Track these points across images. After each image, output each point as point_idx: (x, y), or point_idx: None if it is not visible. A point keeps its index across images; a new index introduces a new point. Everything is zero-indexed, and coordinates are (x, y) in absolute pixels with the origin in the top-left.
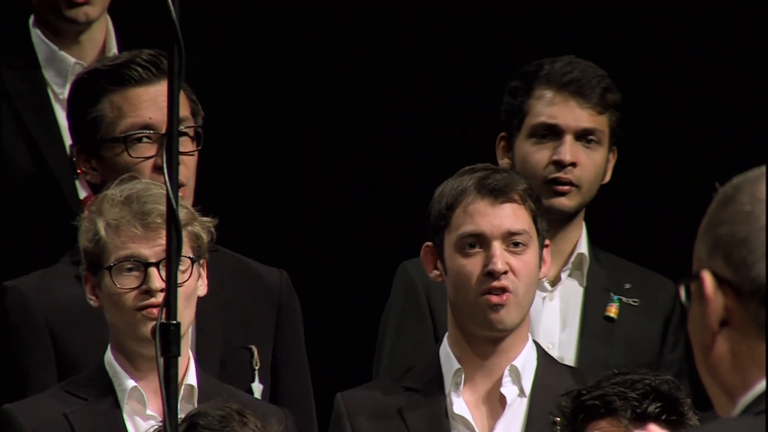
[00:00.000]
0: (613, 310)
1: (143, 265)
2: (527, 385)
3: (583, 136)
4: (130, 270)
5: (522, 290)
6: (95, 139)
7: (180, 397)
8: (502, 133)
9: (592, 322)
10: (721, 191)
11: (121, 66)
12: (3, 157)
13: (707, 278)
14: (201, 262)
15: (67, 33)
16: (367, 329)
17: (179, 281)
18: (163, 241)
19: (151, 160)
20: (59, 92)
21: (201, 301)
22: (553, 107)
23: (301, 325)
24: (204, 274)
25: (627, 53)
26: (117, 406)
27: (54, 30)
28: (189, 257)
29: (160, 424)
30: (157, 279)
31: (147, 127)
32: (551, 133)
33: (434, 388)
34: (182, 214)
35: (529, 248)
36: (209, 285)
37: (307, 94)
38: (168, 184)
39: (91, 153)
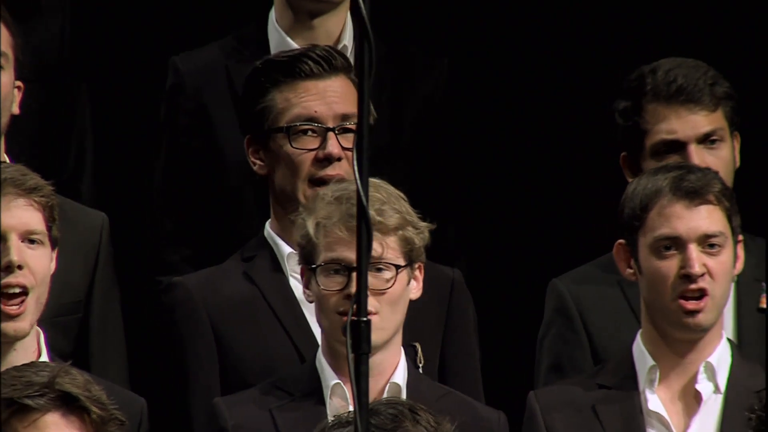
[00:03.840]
0: (765, 301)
1: (347, 269)
2: (722, 382)
3: (706, 139)
4: (336, 272)
5: (719, 291)
6: (263, 129)
7: (384, 395)
8: (623, 153)
9: (747, 316)
10: None
11: (295, 59)
12: (215, 150)
13: None
14: (416, 265)
15: (302, 21)
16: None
17: (382, 288)
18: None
19: (313, 153)
20: None
21: None
22: (668, 122)
23: (473, 327)
24: (420, 277)
25: None
26: (321, 403)
27: (294, 17)
28: (393, 264)
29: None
30: None
31: (312, 119)
32: (673, 147)
33: (628, 384)
34: (393, 219)
35: (725, 248)
36: None
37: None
38: (358, 183)
39: (259, 144)
